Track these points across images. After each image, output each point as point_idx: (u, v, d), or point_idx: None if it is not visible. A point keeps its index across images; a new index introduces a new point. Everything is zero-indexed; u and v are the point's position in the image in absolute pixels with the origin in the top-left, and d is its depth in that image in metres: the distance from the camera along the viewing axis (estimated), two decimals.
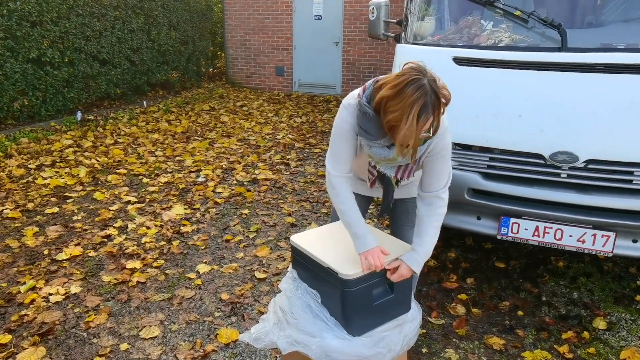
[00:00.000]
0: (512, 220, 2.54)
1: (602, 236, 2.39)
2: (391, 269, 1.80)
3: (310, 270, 1.93)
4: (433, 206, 1.79)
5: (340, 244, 1.93)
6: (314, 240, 1.98)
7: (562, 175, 2.42)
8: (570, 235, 2.45)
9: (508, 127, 2.51)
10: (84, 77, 6.86)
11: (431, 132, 1.53)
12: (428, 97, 1.46)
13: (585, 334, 2.40)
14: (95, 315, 2.52)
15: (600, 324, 2.48)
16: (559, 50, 2.65)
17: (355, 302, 1.78)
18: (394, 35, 3.48)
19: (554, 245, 2.50)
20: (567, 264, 3.08)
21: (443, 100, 1.53)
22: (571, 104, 2.45)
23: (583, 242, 2.44)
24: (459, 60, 2.78)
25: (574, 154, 2.35)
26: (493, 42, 2.86)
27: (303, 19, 9.04)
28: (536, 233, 2.52)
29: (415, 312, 2.02)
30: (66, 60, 6.51)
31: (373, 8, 3.49)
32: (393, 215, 2.25)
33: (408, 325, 1.98)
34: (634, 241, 2.42)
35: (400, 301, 1.93)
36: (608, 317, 2.55)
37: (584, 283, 2.86)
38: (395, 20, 3.53)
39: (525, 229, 2.53)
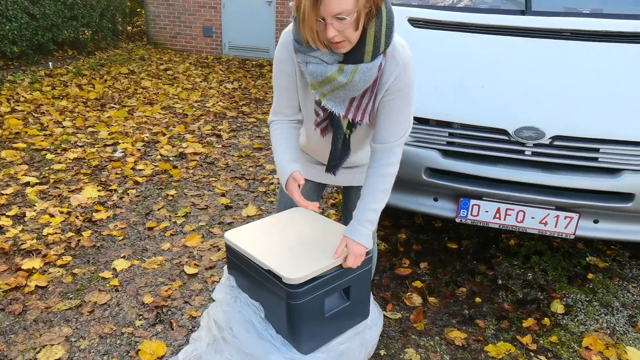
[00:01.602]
0: (472, 202, 2.32)
1: (565, 217, 2.24)
2: (338, 253, 1.48)
3: (250, 275, 1.57)
4: (382, 163, 1.50)
5: (284, 242, 1.58)
6: (253, 237, 1.62)
7: (526, 153, 2.21)
8: (533, 217, 2.28)
9: (470, 99, 2.25)
10: None
11: (348, 17, 1.26)
12: None
13: (546, 320, 2.28)
14: None
15: (559, 307, 2.38)
16: (522, 13, 2.41)
17: (305, 315, 1.46)
18: None
19: (515, 228, 2.32)
20: (519, 242, 2.96)
21: None
22: (537, 74, 2.23)
23: (545, 224, 2.28)
24: (414, 22, 2.46)
25: (540, 130, 2.14)
26: (452, 2, 2.56)
27: None
28: (497, 215, 2.32)
29: (375, 316, 1.75)
30: None
31: None
32: (347, 201, 1.93)
33: (369, 332, 1.70)
34: (595, 222, 2.29)
35: (357, 307, 1.63)
36: (564, 299, 2.46)
37: (536, 262, 2.76)
38: None
39: (486, 211, 2.32)
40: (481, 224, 2.35)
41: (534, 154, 2.20)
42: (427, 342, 2.12)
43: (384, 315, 2.25)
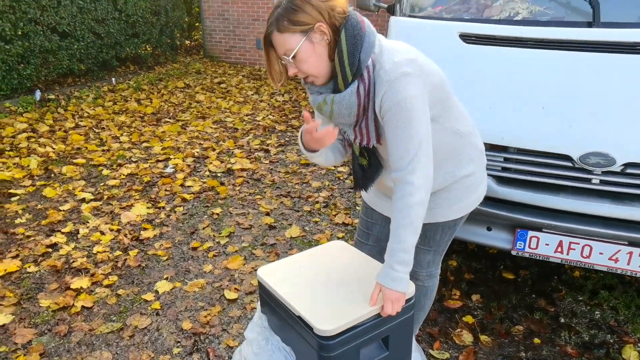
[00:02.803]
0: (530, 233, 2.11)
1: None
2: (373, 301, 1.38)
3: (282, 318, 1.48)
4: (399, 195, 1.37)
5: (318, 283, 1.48)
6: (286, 276, 1.53)
7: (593, 182, 1.98)
8: (601, 253, 2.04)
9: (529, 120, 2.05)
10: (42, 52, 6.18)
11: (291, 57, 1.30)
12: (274, 11, 1.31)
13: None
14: (24, 355, 2.06)
15: (632, 354, 2.11)
16: (589, 25, 2.18)
17: None
18: (386, 5, 2.96)
19: (580, 264, 2.09)
20: (585, 273, 2.69)
21: (294, 13, 1.28)
22: (606, 93, 2.00)
23: (616, 260, 2.03)
24: (467, 38, 2.29)
25: (609, 156, 1.91)
26: (508, 15, 2.37)
27: None
28: (559, 249, 2.09)
29: None
30: (20, 32, 5.82)
31: None
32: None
33: None
34: None
35: (398, 358, 1.50)
36: (639, 344, 2.18)
37: (605, 298, 2.48)
38: None
39: (546, 244, 2.11)
40: (541, 258, 2.13)
41: (602, 182, 1.97)
42: None
43: (431, 355, 2.09)
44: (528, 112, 2.06)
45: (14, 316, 2.30)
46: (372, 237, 1.86)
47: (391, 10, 2.81)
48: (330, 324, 1.29)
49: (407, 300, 1.44)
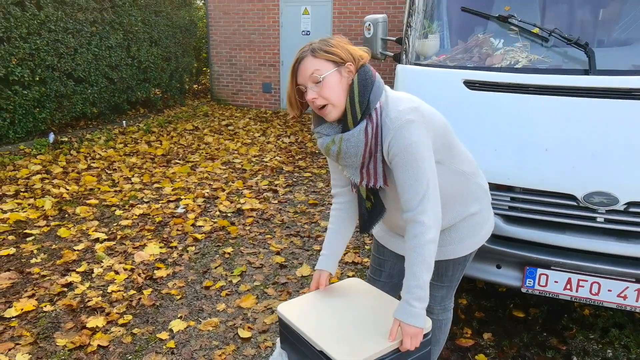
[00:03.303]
0: (539, 271, 2.17)
1: None
2: (393, 336, 1.43)
3: (302, 353, 1.53)
4: (411, 235, 1.45)
5: (338, 319, 1.53)
6: (306, 312, 1.58)
7: (598, 220, 2.05)
8: (610, 290, 2.09)
9: (533, 162, 2.15)
10: (57, 97, 6.42)
11: (321, 77, 1.43)
12: (308, 46, 1.48)
13: None
14: None
15: None
16: (586, 72, 2.32)
17: None
18: (392, 54, 3.13)
19: (589, 301, 2.13)
20: (594, 311, 2.71)
21: (331, 47, 1.45)
22: (606, 136, 2.11)
23: (625, 297, 2.07)
24: (471, 84, 2.43)
25: (612, 195, 2.00)
26: (509, 63, 2.52)
27: (290, 34, 8.73)
28: (568, 286, 2.14)
29: None
30: (37, 78, 6.07)
31: (369, 24, 3.15)
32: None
33: None
34: None
35: None
36: None
37: (616, 337, 2.49)
38: (394, 38, 3.19)
39: (555, 282, 2.16)
40: (551, 295, 2.18)
41: (607, 221, 2.04)
42: None
43: None
44: (532, 154, 2.16)
45: (30, 355, 2.33)
46: (385, 273, 1.92)
47: (397, 59, 2.97)
48: (353, 358, 1.34)
49: (425, 335, 1.48)
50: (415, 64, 2.78)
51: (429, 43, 2.88)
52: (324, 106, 1.47)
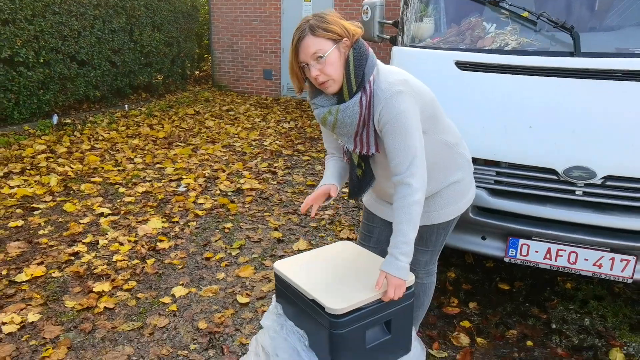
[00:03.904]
0: (521, 241, 2.30)
1: (622, 260, 2.16)
2: (379, 286, 1.57)
3: (296, 304, 1.66)
4: (400, 196, 1.58)
5: (329, 274, 1.67)
6: (301, 268, 1.72)
7: (577, 193, 2.18)
8: (586, 259, 2.22)
9: (517, 139, 2.27)
10: (61, 79, 6.52)
11: (324, 56, 1.52)
12: (305, 22, 1.55)
13: None
14: (53, 349, 2.22)
15: (618, 356, 2.25)
16: (571, 55, 2.43)
17: (346, 345, 1.53)
18: (389, 37, 3.24)
19: (567, 270, 2.27)
20: (576, 285, 2.85)
21: (328, 24, 1.53)
22: (587, 114, 2.23)
23: (600, 266, 2.21)
24: (462, 65, 2.54)
25: (590, 170, 2.12)
26: (499, 46, 2.63)
27: (292, 21, 8.79)
28: (548, 256, 2.28)
29: (418, 352, 1.77)
30: (41, 60, 6.16)
31: (367, 8, 3.25)
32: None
33: None
34: None
35: (398, 342, 1.67)
36: (625, 347, 2.33)
37: (595, 307, 2.63)
38: (390, 22, 3.29)
39: (536, 251, 2.29)
40: (531, 264, 2.31)
41: (585, 194, 2.17)
42: None
43: (430, 354, 2.25)
44: (517, 131, 2.28)
45: (41, 315, 2.47)
46: (373, 239, 2.05)
47: (394, 41, 3.08)
48: (340, 304, 1.48)
49: (408, 289, 1.62)
50: (411, 46, 2.89)
51: (424, 26, 2.98)
52: (325, 81, 1.58)
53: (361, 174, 1.76)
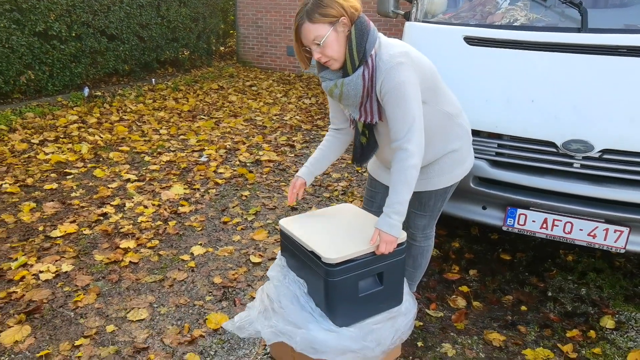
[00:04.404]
0: (519, 211, 2.40)
1: (615, 231, 2.25)
2: (373, 241, 1.71)
3: (297, 257, 1.83)
4: (397, 159, 1.71)
5: (329, 230, 1.82)
6: (303, 225, 1.88)
7: (574, 165, 2.26)
8: (581, 229, 2.31)
9: (519, 112, 2.35)
10: (92, 53, 6.78)
11: (321, 42, 1.62)
12: (303, 6, 1.63)
13: (592, 333, 2.28)
14: (84, 295, 2.47)
15: (608, 322, 2.36)
16: (578, 30, 2.47)
17: (339, 293, 1.69)
18: (403, 12, 3.30)
19: (562, 239, 2.36)
20: (577, 258, 2.93)
21: (324, 7, 1.60)
22: (589, 89, 2.29)
23: (594, 236, 2.30)
24: (470, 40, 2.61)
25: (588, 143, 2.20)
26: (508, 21, 2.68)
27: None
28: (544, 225, 2.38)
29: (409, 305, 1.92)
30: (73, 34, 6.42)
31: None
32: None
33: (401, 318, 1.88)
34: None
35: (390, 294, 1.83)
36: (617, 315, 2.42)
37: (593, 279, 2.73)
38: None
39: (533, 221, 2.39)
40: (528, 233, 2.41)
41: (582, 166, 2.25)
42: (465, 340, 2.23)
43: (427, 313, 2.40)
44: (520, 104, 2.36)
45: (73, 266, 2.72)
46: (376, 204, 2.19)
47: (407, 17, 3.15)
48: (334, 255, 1.63)
49: (399, 245, 1.76)
50: (423, 22, 2.96)
51: (437, 2, 3.04)
52: (327, 61, 1.69)
53: (365, 142, 1.89)
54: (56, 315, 2.32)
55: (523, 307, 2.48)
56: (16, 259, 2.74)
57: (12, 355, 2.07)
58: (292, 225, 1.87)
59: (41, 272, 2.64)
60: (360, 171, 4.33)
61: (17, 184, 3.77)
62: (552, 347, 2.19)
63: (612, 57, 2.32)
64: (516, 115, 2.35)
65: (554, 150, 2.27)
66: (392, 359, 2.06)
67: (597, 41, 2.37)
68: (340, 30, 1.65)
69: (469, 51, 2.59)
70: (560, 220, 2.34)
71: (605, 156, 2.19)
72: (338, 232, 1.80)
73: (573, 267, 2.85)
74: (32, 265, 2.70)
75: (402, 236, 1.76)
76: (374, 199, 2.20)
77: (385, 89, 1.67)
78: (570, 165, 2.27)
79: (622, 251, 2.26)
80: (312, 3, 1.63)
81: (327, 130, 5.58)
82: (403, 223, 1.74)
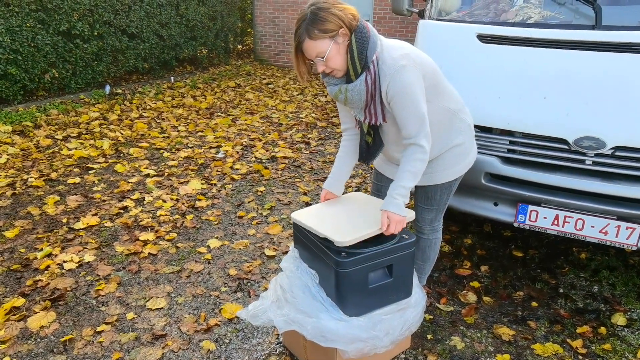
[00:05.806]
0: (531, 207, 2.42)
1: (627, 228, 2.25)
2: (384, 225, 1.77)
3: (310, 249, 1.89)
4: (409, 152, 1.78)
5: (339, 217, 1.88)
6: (314, 215, 1.94)
7: (586, 162, 2.27)
8: (592, 226, 2.32)
9: (532, 109, 2.37)
10: (113, 51, 6.95)
11: (324, 57, 1.66)
12: (301, 22, 1.65)
13: (602, 329, 2.29)
14: (105, 284, 2.57)
15: (620, 319, 2.36)
16: (592, 28, 2.47)
17: (350, 284, 1.75)
18: (418, 10, 3.33)
19: (573, 236, 2.37)
20: (590, 256, 2.93)
21: (322, 23, 1.61)
22: (601, 86, 2.29)
23: (606, 233, 2.30)
24: (483, 38, 2.63)
25: (600, 140, 2.20)
26: (522, 19, 2.69)
27: None
28: (555, 222, 2.39)
29: (419, 298, 1.97)
30: (95, 33, 6.59)
31: None
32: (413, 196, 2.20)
33: (410, 310, 1.93)
34: None
35: (399, 286, 1.87)
36: (629, 313, 2.42)
37: (606, 276, 2.72)
38: None
39: (544, 218, 2.41)
40: (539, 230, 2.43)
41: (594, 163, 2.26)
42: (475, 333, 2.26)
43: (437, 307, 2.43)
44: (532, 101, 2.38)
45: (95, 257, 2.83)
46: (382, 196, 2.23)
47: (422, 15, 3.18)
48: (346, 238, 1.69)
49: (409, 236, 1.81)
50: (437, 19, 2.98)
51: (451, 0, 3.06)
52: (330, 71, 1.74)
53: (371, 141, 1.94)
54: (79, 302, 2.43)
55: (534, 303, 2.50)
56: (41, 249, 2.86)
57: (39, 339, 2.18)
58: (303, 216, 1.93)
59: (65, 262, 2.75)
60: (373, 168, 4.37)
61: (42, 178, 3.91)
62: (562, 343, 2.21)
63: (625, 55, 2.31)
64: (528, 112, 2.37)
65: (566, 147, 2.28)
66: (402, 350, 2.10)
67: (611, 38, 2.37)
68: (341, 42, 1.68)
69: (482, 49, 2.61)
70: (572, 217, 2.35)
71: (618, 153, 2.20)
72: (348, 218, 1.86)
73: (586, 264, 2.85)
74: (56, 255, 2.82)
75: (410, 215, 1.82)
76: (380, 192, 2.25)
77: (392, 93, 1.72)
78: (582, 162, 2.28)
79: (634, 248, 2.26)
80: (310, 19, 1.63)
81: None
82: None
